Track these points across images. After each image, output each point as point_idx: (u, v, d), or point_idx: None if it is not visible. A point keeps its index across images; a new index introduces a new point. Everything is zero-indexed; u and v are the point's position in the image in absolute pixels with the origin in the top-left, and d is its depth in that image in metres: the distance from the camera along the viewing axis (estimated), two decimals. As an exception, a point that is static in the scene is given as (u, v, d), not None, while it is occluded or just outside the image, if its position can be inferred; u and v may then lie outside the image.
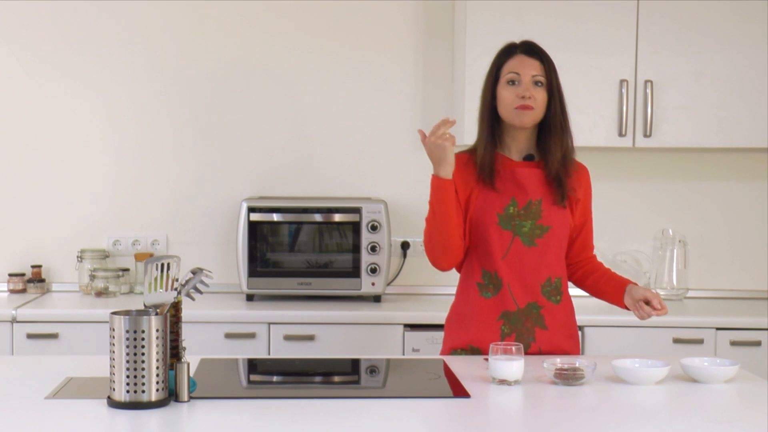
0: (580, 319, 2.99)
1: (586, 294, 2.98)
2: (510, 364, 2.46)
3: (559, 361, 2.56)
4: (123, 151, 4.25)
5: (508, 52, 2.84)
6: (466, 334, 2.84)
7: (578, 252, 2.93)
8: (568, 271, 2.95)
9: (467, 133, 3.91)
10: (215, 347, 3.66)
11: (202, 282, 2.38)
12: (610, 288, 2.88)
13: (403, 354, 3.70)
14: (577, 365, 2.52)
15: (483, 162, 2.81)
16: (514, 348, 2.49)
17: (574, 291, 2.94)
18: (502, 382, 2.47)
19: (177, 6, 4.22)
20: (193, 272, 2.39)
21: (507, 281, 2.80)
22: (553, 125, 2.81)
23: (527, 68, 2.79)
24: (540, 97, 2.78)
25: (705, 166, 4.33)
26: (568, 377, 2.49)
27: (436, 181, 2.71)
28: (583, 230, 2.92)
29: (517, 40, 2.88)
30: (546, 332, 2.82)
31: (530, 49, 2.83)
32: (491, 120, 2.84)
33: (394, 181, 4.28)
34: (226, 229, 4.23)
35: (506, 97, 2.79)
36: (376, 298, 4.01)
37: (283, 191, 4.26)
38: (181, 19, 4.23)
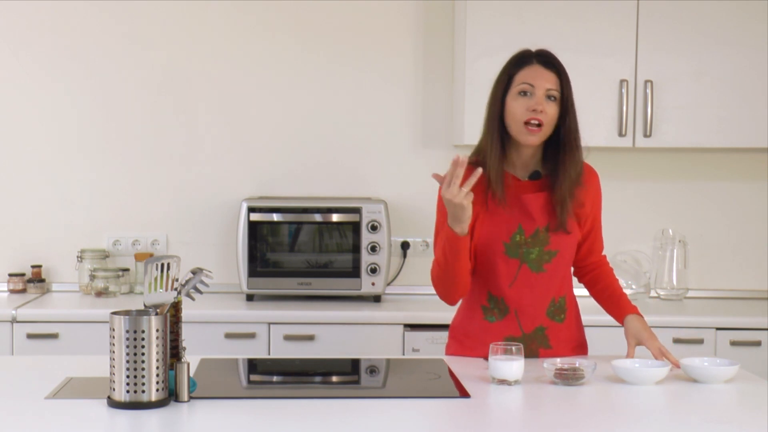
0: (580, 318, 2.98)
1: (586, 294, 2.97)
2: (510, 364, 2.46)
3: (559, 361, 2.56)
4: (123, 152, 4.25)
5: (523, 61, 2.67)
6: (470, 354, 2.80)
7: (584, 256, 2.86)
8: (577, 273, 2.91)
9: (467, 133, 3.92)
10: (215, 347, 3.66)
11: (202, 282, 2.38)
12: (611, 310, 2.84)
13: (403, 354, 3.70)
14: (577, 365, 2.52)
15: (496, 182, 2.66)
16: (514, 348, 2.49)
17: (576, 291, 2.92)
18: (502, 382, 2.47)
19: (177, 6, 4.22)
20: (193, 272, 2.39)
21: (515, 308, 2.74)
22: (567, 142, 2.66)
23: (543, 80, 2.63)
24: (551, 112, 2.63)
25: (705, 166, 4.33)
26: (568, 377, 2.49)
27: (451, 235, 2.55)
28: (589, 236, 2.83)
29: (533, 48, 2.72)
30: (550, 351, 2.77)
31: (547, 60, 2.66)
32: (500, 133, 2.68)
33: (394, 181, 4.28)
34: (226, 229, 4.22)
35: (516, 109, 2.63)
36: (376, 298, 4.01)
37: (283, 191, 4.26)
38: (181, 19, 4.23)
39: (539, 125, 2.63)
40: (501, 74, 2.70)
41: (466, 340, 2.82)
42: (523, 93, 2.63)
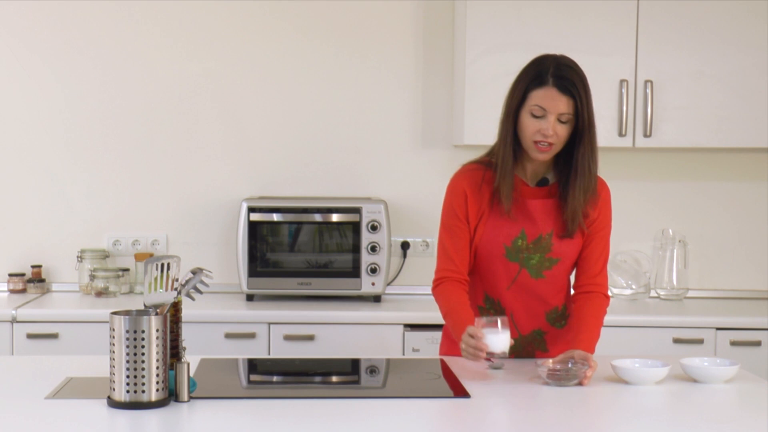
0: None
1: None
2: (497, 337, 2.45)
3: (551, 362, 2.55)
4: (123, 151, 4.25)
5: (540, 79, 2.60)
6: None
7: (578, 273, 2.79)
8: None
9: (467, 133, 3.92)
10: (215, 347, 3.66)
11: (202, 282, 2.39)
12: (573, 331, 2.73)
13: (403, 354, 3.70)
14: (569, 366, 2.51)
15: (501, 190, 2.66)
16: (499, 321, 2.48)
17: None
18: (489, 356, 2.46)
19: (176, 5, 4.21)
20: (193, 272, 2.39)
21: (510, 310, 2.74)
22: (579, 167, 2.63)
23: (556, 105, 2.57)
24: (563, 133, 2.60)
25: (705, 166, 4.33)
26: (560, 378, 2.49)
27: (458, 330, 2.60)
28: (588, 247, 2.74)
29: (553, 51, 2.67)
30: (547, 354, 2.77)
31: (564, 84, 2.58)
32: (513, 146, 2.65)
33: (394, 181, 4.28)
34: (226, 229, 4.22)
35: (527, 127, 2.61)
36: (376, 298, 4.01)
37: (283, 191, 4.26)
38: (181, 19, 4.22)
39: (549, 145, 2.61)
40: (517, 86, 2.65)
41: (458, 343, 2.81)
42: (535, 115, 2.60)
